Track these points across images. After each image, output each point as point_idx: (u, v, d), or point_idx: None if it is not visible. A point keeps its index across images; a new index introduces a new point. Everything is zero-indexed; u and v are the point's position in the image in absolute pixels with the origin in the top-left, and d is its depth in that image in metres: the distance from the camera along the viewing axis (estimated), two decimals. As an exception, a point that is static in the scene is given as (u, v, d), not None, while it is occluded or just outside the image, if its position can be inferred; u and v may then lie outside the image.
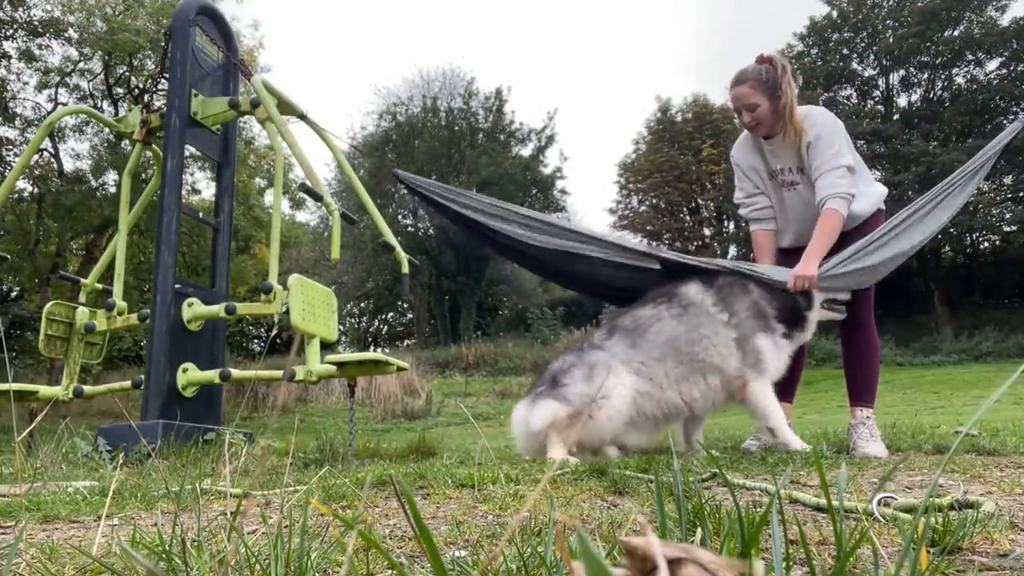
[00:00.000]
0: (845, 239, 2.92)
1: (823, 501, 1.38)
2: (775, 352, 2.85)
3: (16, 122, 17.51)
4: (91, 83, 17.89)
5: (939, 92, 23.45)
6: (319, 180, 4.21)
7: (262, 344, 26.78)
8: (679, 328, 2.78)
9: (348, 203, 22.07)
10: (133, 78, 17.98)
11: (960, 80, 23.12)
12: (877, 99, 24.73)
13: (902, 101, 24.33)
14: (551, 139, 28.68)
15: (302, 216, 25.27)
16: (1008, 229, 21.37)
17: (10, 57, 16.51)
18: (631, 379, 2.68)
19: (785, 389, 3.15)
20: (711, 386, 2.82)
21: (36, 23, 16.00)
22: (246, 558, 0.79)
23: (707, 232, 28.20)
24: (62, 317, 4.42)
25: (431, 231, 27.53)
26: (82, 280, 4.84)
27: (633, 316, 2.87)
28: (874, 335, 2.99)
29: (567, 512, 1.43)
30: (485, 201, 3.28)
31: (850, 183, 2.82)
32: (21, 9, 15.71)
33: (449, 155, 27.80)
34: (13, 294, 23.05)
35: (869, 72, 24.41)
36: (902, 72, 23.93)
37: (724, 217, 27.55)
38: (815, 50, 24.37)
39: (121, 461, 2.91)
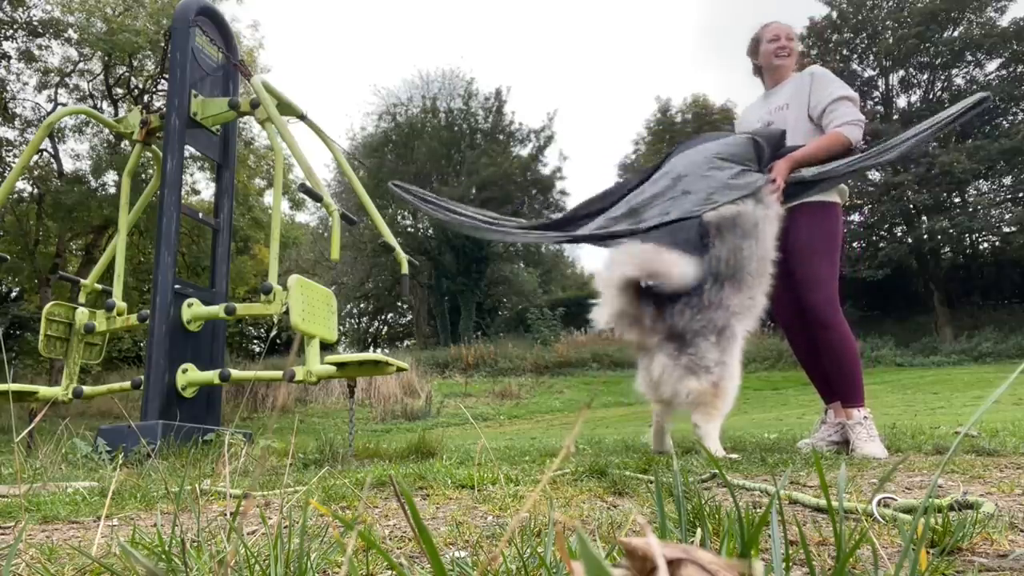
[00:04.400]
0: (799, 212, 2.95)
1: (823, 502, 1.38)
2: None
3: (16, 122, 17.52)
4: (91, 83, 17.90)
5: (939, 93, 23.46)
6: (319, 181, 4.20)
7: (262, 345, 26.78)
8: (752, 239, 2.74)
9: (348, 204, 22.07)
10: (133, 78, 18.00)
11: (960, 81, 23.12)
12: (877, 100, 24.74)
13: (902, 102, 24.36)
14: (550, 139, 28.73)
15: (302, 217, 25.30)
16: (1008, 230, 21.36)
17: (10, 57, 16.52)
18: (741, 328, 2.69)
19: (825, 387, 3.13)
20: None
21: (36, 23, 16.01)
22: (246, 559, 0.79)
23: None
24: (62, 318, 4.42)
25: (431, 231, 27.53)
26: (82, 280, 4.84)
27: (720, 261, 2.73)
28: (844, 333, 2.90)
29: (567, 513, 1.43)
30: (477, 213, 3.57)
31: (859, 112, 2.94)
32: (21, 9, 15.71)
33: (449, 156, 27.81)
34: (13, 294, 23.05)
35: (869, 73, 24.43)
36: (902, 73, 23.94)
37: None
38: (815, 51, 24.37)
39: (121, 462, 2.91)
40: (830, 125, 2.92)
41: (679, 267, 2.58)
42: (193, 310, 4.14)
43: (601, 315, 2.66)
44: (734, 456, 2.52)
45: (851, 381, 2.90)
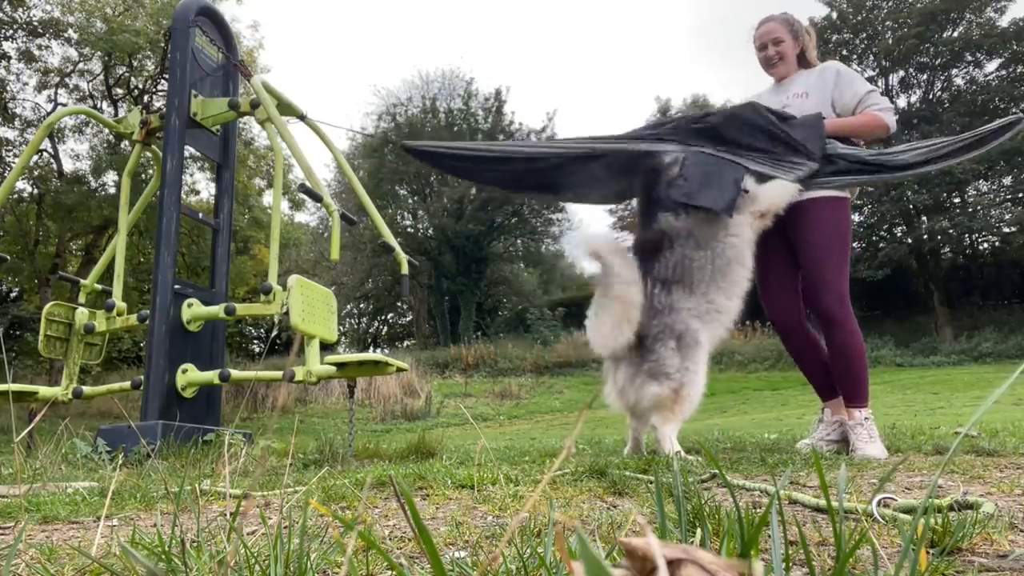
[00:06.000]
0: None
1: (823, 502, 1.38)
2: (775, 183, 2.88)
3: (16, 123, 17.53)
4: (91, 84, 17.91)
5: (938, 93, 23.46)
6: (319, 181, 4.20)
7: (262, 345, 26.78)
8: (708, 251, 2.76)
9: (348, 204, 22.06)
10: (133, 79, 18.00)
11: (959, 81, 23.13)
12: (877, 100, 24.73)
13: (901, 102, 24.34)
14: (550, 139, 28.69)
15: (301, 217, 25.31)
16: (1008, 230, 21.36)
17: (10, 58, 16.52)
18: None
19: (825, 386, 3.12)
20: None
21: (36, 23, 16.01)
22: (246, 559, 0.79)
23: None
24: (61, 318, 4.42)
25: (431, 232, 27.54)
26: (81, 281, 4.84)
27: (667, 266, 2.77)
28: (853, 332, 2.87)
29: (567, 513, 1.43)
30: (485, 147, 3.55)
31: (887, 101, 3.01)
32: (21, 9, 15.71)
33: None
34: (12, 295, 23.05)
35: (869, 73, 24.40)
36: (901, 73, 23.93)
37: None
38: (815, 51, 24.36)
39: (120, 462, 2.91)
40: (869, 109, 2.95)
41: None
42: (193, 310, 4.14)
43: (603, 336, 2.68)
44: (688, 457, 2.54)
45: (857, 381, 2.87)
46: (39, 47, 16.53)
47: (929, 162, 2.99)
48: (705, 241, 2.74)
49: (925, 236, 21.20)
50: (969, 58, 22.44)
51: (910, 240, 21.90)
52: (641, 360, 2.59)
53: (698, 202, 2.76)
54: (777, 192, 2.85)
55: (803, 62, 3.18)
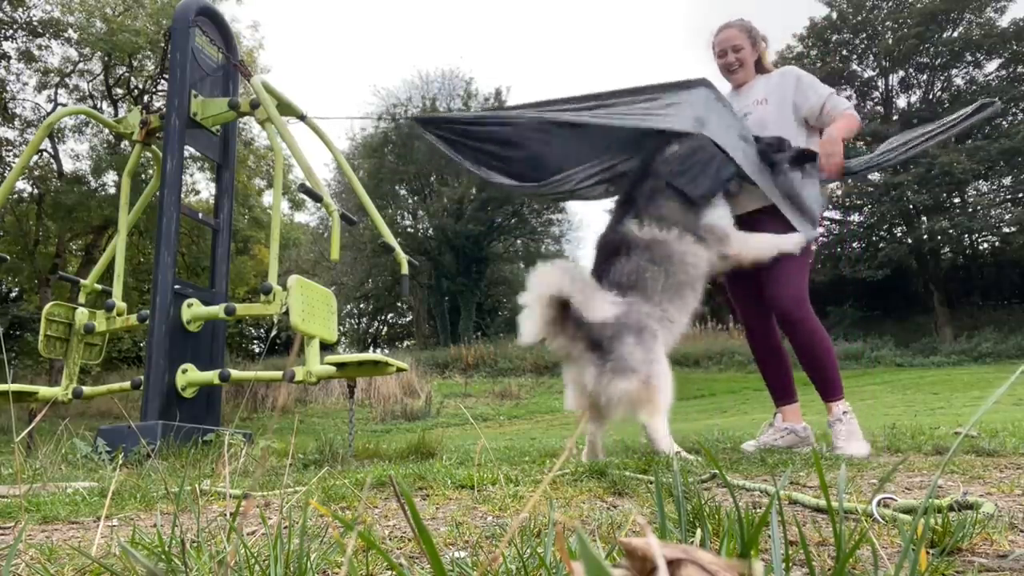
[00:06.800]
0: (760, 218, 2.96)
1: (823, 502, 1.38)
2: (724, 217, 2.88)
3: (16, 123, 17.53)
4: (91, 84, 17.91)
5: (938, 93, 23.46)
6: (319, 181, 4.21)
7: (262, 345, 26.79)
8: (663, 268, 2.76)
9: (348, 204, 22.07)
10: (133, 79, 18.01)
11: (959, 81, 23.12)
12: (877, 100, 24.75)
13: (901, 102, 24.36)
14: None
15: (301, 217, 25.30)
16: (1007, 230, 21.36)
17: (10, 58, 16.52)
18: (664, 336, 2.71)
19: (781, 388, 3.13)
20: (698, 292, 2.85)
21: (36, 23, 16.01)
22: (246, 559, 0.79)
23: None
24: (61, 318, 4.42)
25: (431, 232, 27.54)
26: (81, 281, 4.84)
27: (622, 272, 2.79)
28: (815, 330, 2.86)
29: (567, 513, 1.43)
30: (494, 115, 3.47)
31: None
32: (21, 9, 15.71)
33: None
34: (12, 295, 23.05)
35: (869, 73, 24.44)
36: (901, 73, 23.94)
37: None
38: (815, 51, 24.38)
39: (120, 462, 2.91)
40: (835, 110, 2.96)
41: (597, 306, 2.61)
42: (193, 310, 4.14)
43: (528, 329, 2.67)
44: (689, 456, 2.52)
45: (827, 377, 2.87)
46: (39, 47, 16.54)
47: (914, 147, 3.04)
48: (660, 259, 2.76)
49: (925, 236, 21.21)
50: (969, 58, 22.45)
51: (910, 240, 21.90)
52: (603, 360, 2.60)
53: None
54: (754, 245, 2.86)
55: (760, 68, 3.20)
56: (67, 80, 17.53)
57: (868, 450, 2.75)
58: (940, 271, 22.02)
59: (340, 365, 3.83)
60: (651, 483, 1.76)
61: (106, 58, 16.77)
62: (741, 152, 2.89)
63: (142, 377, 3.98)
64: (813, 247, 3.03)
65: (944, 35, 22.30)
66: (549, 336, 2.64)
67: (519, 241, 29.86)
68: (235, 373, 4.07)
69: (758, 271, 2.93)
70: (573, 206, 29.32)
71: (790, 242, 2.88)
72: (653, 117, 2.97)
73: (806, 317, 2.86)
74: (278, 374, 4.02)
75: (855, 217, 23.52)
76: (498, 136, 3.21)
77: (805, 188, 2.94)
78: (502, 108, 3.60)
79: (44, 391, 4.26)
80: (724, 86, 3.26)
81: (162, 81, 17.31)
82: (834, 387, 2.86)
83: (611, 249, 2.83)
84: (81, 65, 17.44)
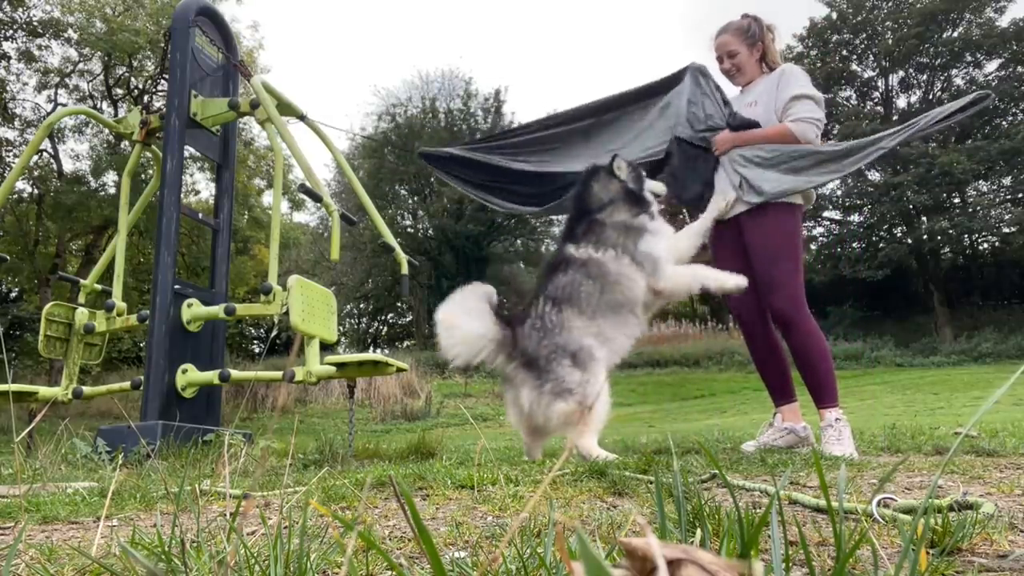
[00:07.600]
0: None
1: (823, 502, 1.38)
2: (661, 245, 2.87)
3: (16, 123, 17.53)
4: (91, 84, 17.91)
5: (938, 93, 23.46)
6: (319, 181, 4.21)
7: (262, 345, 26.78)
8: (598, 284, 2.77)
9: (348, 204, 22.06)
10: (133, 79, 18.01)
11: (959, 81, 23.12)
12: (876, 100, 24.76)
13: (901, 102, 24.37)
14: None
15: (301, 217, 25.32)
16: (1007, 230, 21.36)
17: (10, 58, 16.52)
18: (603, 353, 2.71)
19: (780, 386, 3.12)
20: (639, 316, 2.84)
21: (36, 24, 16.02)
22: (245, 559, 0.79)
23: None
24: (61, 318, 4.41)
25: (431, 232, 27.53)
26: (81, 281, 4.84)
27: (558, 287, 2.80)
28: (811, 332, 2.83)
29: (567, 513, 1.43)
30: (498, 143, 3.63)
31: (820, 113, 2.89)
32: (21, 9, 15.71)
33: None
34: (12, 295, 23.05)
35: (868, 73, 24.44)
36: (901, 73, 23.95)
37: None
38: (814, 51, 24.39)
39: (120, 462, 2.91)
40: (786, 113, 2.90)
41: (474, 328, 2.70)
42: (193, 310, 4.14)
43: (457, 356, 2.70)
44: (611, 457, 2.51)
45: (823, 382, 2.83)
46: (39, 47, 16.54)
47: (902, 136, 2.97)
48: (595, 277, 2.76)
49: (925, 236, 21.21)
50: (969, 58, 22.46)
51: (910, 240, 21.90)
52: (541, 381, 2.61)
53: (674, 190, 2.94)
54: (678, 279, 2.83)
55: (768, 62, 3.13)
56: (67, 80, 17.53)
57: (856, 454, 2.70)
58: (940, 271, 22.02)
59: (340, 365, 3.84)
60: (651, 483, 1.76)
61: (106, 58, 16.77)
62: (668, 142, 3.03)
63: (142, 377, 3.98)
64: (800, 240, 2.99)
65: (944, 35, 22.31)
66: (491, 354, 2.67)
67: (519, 241, 29.86)
68: (235, 373, 4.08)
69: (754, 271, 2.93)
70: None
71: (699, 275, 2.85)
72: (645, 135, 3.11)
73: (802, 318, 2.84)
74: (278, 374, 4.02)
75: (855, 217, 23.53)
76: (496, 166, 3.42)
77: (709, 161, 3.01)
78: (503, 135, 3.73)
79: (44, 391, 4.26)
80: (732, 89, 3.28)
81: (162, 81, 17.31)
82: (828, 392, 2.82)
83: (552, 267, 2.87)
84: (81, 65, 17.44)
